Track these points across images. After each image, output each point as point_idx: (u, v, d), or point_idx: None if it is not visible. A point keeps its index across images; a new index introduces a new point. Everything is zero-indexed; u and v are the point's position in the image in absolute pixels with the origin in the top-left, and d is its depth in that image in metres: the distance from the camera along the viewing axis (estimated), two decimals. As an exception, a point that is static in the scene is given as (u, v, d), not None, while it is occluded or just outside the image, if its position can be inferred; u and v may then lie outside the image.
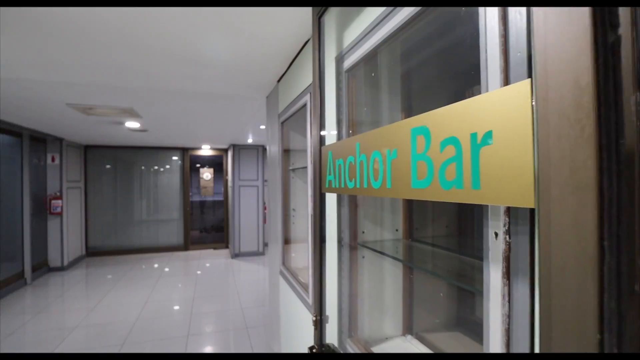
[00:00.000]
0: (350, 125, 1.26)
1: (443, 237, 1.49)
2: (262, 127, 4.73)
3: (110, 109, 3.54)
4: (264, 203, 7.19)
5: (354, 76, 1.28)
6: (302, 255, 2.42)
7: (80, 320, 3.79)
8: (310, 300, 1.70)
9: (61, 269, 5.92)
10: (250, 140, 6.32)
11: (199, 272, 5.89)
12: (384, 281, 1.39)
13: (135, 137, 6.03)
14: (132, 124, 4.44)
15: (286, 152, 2.41)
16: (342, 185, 1.00)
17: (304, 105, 1.77)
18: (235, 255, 6.92)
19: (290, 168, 2.43)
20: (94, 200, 7.20)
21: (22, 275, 5.08)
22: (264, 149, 7.18)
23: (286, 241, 2.42)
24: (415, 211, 1.43)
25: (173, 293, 4.78)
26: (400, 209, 1.42)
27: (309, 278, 1.71)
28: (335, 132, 1.32)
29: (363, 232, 1.34)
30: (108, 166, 7.34)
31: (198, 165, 10.52)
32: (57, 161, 5.91)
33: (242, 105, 3.48)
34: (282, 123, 2.35)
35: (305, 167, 2.38)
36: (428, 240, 1.44)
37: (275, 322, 2.54)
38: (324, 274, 1.15)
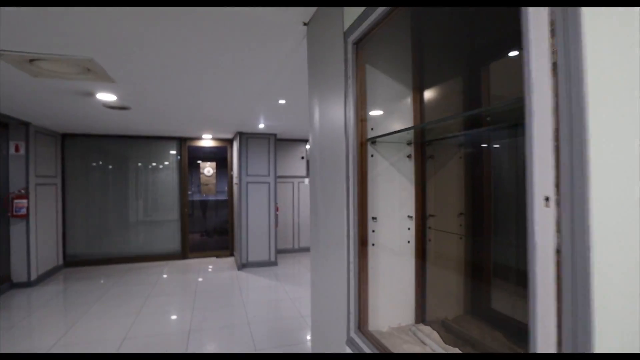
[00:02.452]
0: None
1: None
2: (282, 101, 3.54)
3: (62, 63, 2.36)
4: (276, 203, 6.01)
5: None
6: (397, 308, 1.24)
7: (25, 371, 2.63)
8: None
9: (28, 284, 4.76)
10: (261, 126, 5.14)
11: (198, 287, 4.71)
12: None
13: (120, 123, 4.86)
14: (106, 96, 3.27)
15: (362, 121, 1.22)
16: None
17: None
18: (243, 266, 5.74)
19: (368, 137, 1.25)
20: (75, 199, 6.02)
21: (-31, 296, 3.93)
22: (276, 138, 5.99)
23: (361, 277, 1.23)
24: None
25: (162, 322, 3.60)
26: None
27: None
28: None
29: None
30: (101, 162, 6.17)
31: (199, 162, 9.31)
32: (22, 151, 4.75)
33: (258, 52, 2.29)
34: (357, 44, 1.17)
35: (404, 131, 1.18)
36: None
37: None
38: None
